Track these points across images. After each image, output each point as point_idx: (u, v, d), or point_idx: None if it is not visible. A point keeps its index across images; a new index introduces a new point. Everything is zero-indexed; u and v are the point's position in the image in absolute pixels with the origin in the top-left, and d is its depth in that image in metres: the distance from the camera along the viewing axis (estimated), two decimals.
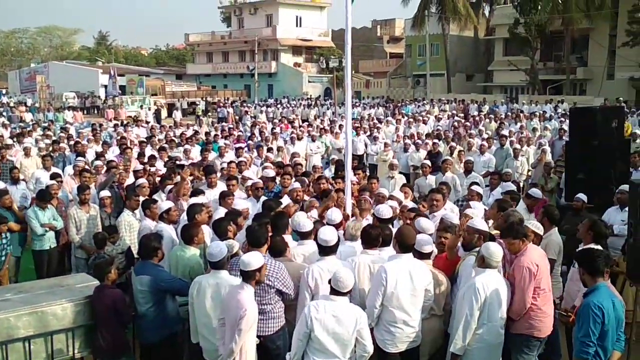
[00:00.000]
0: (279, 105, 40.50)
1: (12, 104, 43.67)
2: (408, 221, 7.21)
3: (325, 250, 5.54)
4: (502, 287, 5.28)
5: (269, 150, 14.84)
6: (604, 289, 4.67)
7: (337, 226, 6.42)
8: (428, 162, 12.46)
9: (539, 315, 5.35)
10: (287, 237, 6.26)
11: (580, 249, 5.66)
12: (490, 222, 7.01)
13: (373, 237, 5.66)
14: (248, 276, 4.83)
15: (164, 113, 41.27)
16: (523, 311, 5.31)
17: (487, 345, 5.21)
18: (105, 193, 9.26)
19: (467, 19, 47.03)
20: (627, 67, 38.81)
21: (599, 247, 6.08)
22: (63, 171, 12.14)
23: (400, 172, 13.09)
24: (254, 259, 4.85)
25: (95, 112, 48.26)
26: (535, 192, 8.71)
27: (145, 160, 12.20)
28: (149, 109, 40.66)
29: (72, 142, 15.73)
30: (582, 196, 9.14)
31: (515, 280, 5.35)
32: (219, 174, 10.65)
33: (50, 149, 14.90)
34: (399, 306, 5.22)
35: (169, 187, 9.40)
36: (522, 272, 5.32)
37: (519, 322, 5.36)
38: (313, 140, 17.35)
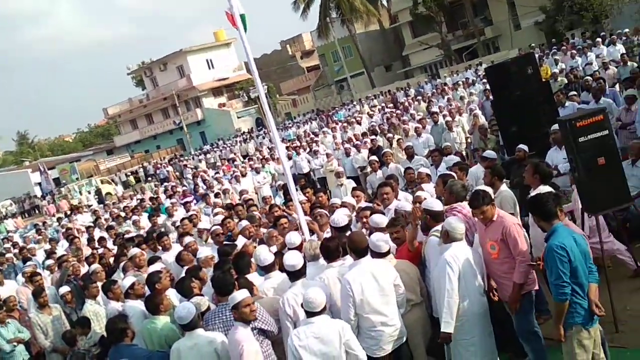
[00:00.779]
0: (215, 149, 40.25)
1: None
2: (365, 220, 7.22)
3: (295, 274, 5.51)
4: (473, 256, 5.32)
5: (217, 195, 14.70)
6: (561, 229, 4.74)
7: (299, 248, 6.38)
8: (375, 157, 12.52)
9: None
10: (254, 275, 6.20)
11: (529, 197, 5.69)
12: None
13: (332, 250, 5.64)
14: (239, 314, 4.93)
15: (108, 188, 40.38)
16: (529, 271, 5.33)
17: (472, 315, 5.23)
18: (65, 289, 9.03)
19: (368, 15, 47.86)
20: (529, 14, 40.26)
21: (547, 188, 6.21)
22: (16, 281, 11.73)
23: (348, 177, 13.17)
24: (240, 293, 4.99)
25: (37, 212, 46.90)
26: (490, 153, 8.89)
27: (96, 244, 11.91)
28: (89, 192, 39.77)
29: (16, 250, 15.26)
30: (522, 146, 9.33)
31: (512, 242, 5.31)
32: (174, 234, 10.47)
33: None
34: (372, 310, 5.20)
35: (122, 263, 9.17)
36: (514, 232, 5.32)
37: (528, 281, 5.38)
38: (257, 173, 17.32)
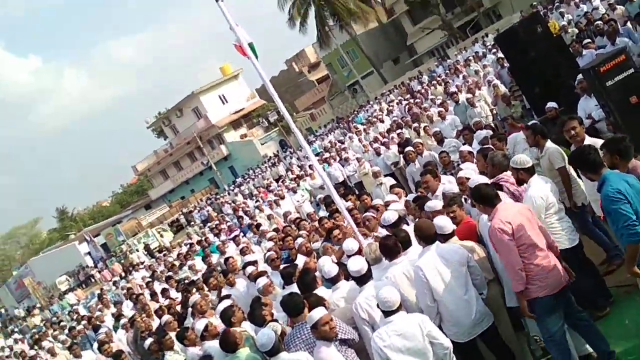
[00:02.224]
0: (248, 180, 40.64)
1: (22, 315, 43.25)
2: (416, 213, 7.26)
3: (362, 279, 5.57)
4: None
5: (258, 226, 14.82)
6: (611, 176, 4.66)
7: (358, 253, 6.45)
8: (410, 148, 12.48)
9: (542, 274, 4.94)
10: (321, 289, 6.26)
11: (572, 151, 5.56)
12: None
13: (392, 247, 5.67)
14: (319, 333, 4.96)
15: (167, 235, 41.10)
16: (517, 276, 4.93)
17: None
18: (149, 340, 9.10)
19: (364, 14, 47.92)
20: None
21: (591, 140, 6.11)
22: (93, 350, 12.06)
23: (385, 175, 13.21)
24: (316, 312, 5.00)
25: (93, 280, 47.91)
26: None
27: (160, 297, 12.18)
28: (138, 249, 40.48)
29: (84, 321, 15.69)
30: (551, 104, 9.28)
31: (493, 247, 5.16)
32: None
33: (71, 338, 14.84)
34: (450, 294, 5.22)
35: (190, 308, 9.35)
36: (495, 236, 5.00)
37: (528, 289, 4.96)
38: (294, 192, 17.50)
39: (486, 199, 5.20)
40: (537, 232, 5.05)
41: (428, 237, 5.45)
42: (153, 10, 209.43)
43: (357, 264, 5.57)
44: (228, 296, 8.52)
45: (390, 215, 6.82)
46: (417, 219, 6.79)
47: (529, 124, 8.29)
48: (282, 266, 8.52)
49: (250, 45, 7.05)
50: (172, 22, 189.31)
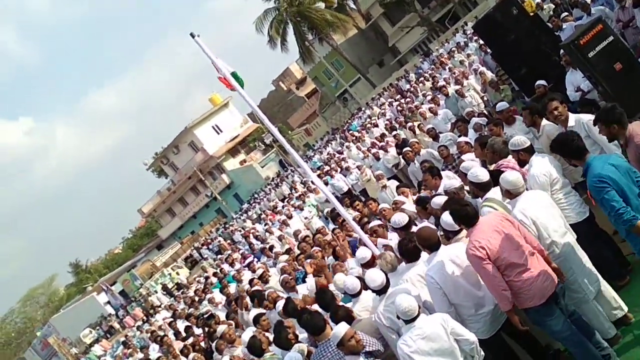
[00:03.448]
0: (254, 204, 40.66)
1: None
2: (423, 215, 7.23)
3: (381, 290, 5.52)
4: (545, 203, 5.28)
5: (271, 248, 14.80)
6: (594, 161, 4.67)
7: (371, 262, 6.45)
8: (407, 148, 12.51)
9: (525, 287, 4.85)
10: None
11: (554, 138, 5.42)
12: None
13: (412, 249, 5.62)
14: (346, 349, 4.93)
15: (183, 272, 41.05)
16: (501, 297, 4.86)
17: (565, 253, 5.20)
18: None
19: (342, 23, 48.17)
20: None
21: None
22: None
23: (388, 178, 13.21)
24: (339, 328, 4.98)
25: (118, 328, 47.88)
26: (501, 105, 8.91)
27: (184, 335, 12.16)
28: (156, 290, 40.44)
29: None
30: (540, 82, 9.34)
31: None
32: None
33: None
34: (466, 295, 5.18)
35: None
36: (471, 261, 4.94)
37: (516, 300, 4.90)
38: (301, 210, 17.49)
39: (464, 219, 5.05)
40: (517, 244, 4.85)
41: (432, 245, 5.38)
42: (130, 56, 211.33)
43: (377, 278, 5.50)
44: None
45: (400, 218, 6.76)
46: (422, 222, 6.75)
47: (525, 105, 8.33)
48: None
49: (234, 74, 7.06)
50: (152, 63, 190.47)
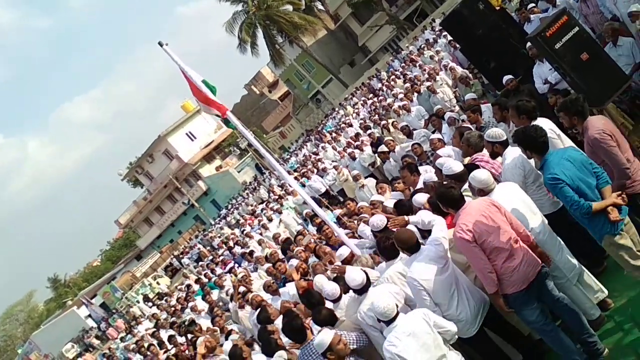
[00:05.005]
0: (232, 210, 40.47)
1: None
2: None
3: (362, 290, 5.51)
4: (518, 194, 5.36)
5: (251, 253, 14.68)
6: (550, 158, 4.86)
7: (349, 259, 6.49)
8: (383, 147, 12.56)
9: (507, 273, 4.93)
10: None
11: (514, 130, 5.54)
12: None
13: (390, 248, 5.65)
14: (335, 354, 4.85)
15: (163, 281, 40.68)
16: (487, 279, 4.94)
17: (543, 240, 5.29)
18: None
19: (310, 24, 48.16)
20: None
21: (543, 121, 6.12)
22: None
23: (365, 177, 13.26)
24: (324, 335, 4.88)
25: (100, 341, 47.25)
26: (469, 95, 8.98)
27: (168, 345, 12.07)
28: (138, 301, 40.01)
29: None
30: (508, 77, 9.45)
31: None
32: (232, 304, 10.59)
33: None
34: (446, 294, 5.17)
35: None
36: (459, 244, 5.02)
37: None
38: (280, 213, 17.46)
39: (451, 202, 5.16)
40: (503, 229, 4.91)
41: (411, 247, 5.38)
42: (100, 67, 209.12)
43: (357, 277, 5.48)
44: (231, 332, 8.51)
45: (378, 221, 6.66)
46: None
47: (495, 100, 8.43)
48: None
49: (205, 83, 7.02)
50: (123, 73, 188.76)
